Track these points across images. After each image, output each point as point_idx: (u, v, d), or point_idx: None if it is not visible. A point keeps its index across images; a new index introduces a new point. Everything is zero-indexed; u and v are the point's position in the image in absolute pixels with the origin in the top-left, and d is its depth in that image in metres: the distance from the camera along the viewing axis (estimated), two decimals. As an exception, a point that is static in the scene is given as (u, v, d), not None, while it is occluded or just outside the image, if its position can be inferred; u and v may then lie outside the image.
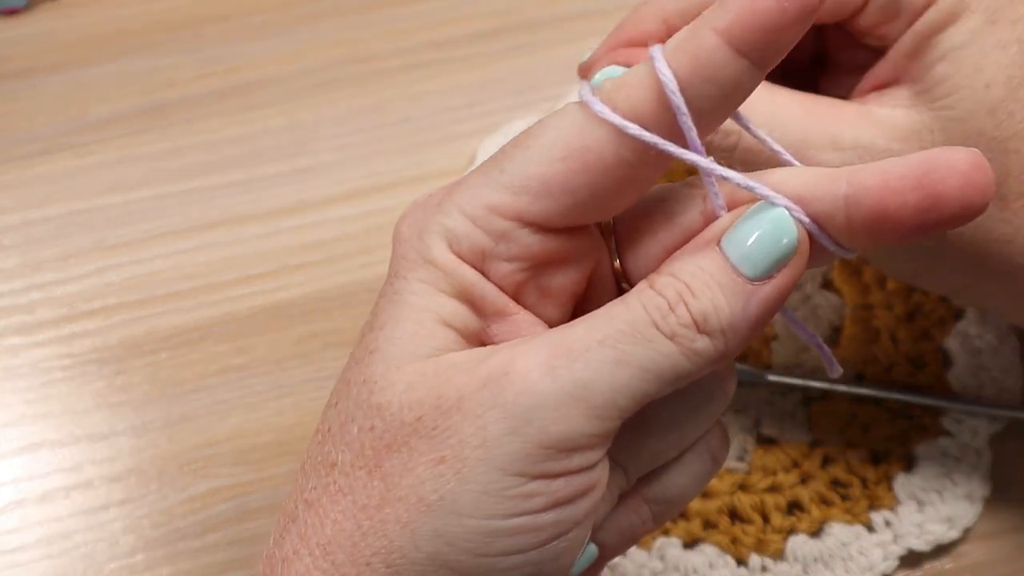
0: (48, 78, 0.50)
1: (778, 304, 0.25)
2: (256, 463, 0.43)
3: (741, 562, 0.41)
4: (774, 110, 0.33)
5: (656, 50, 0.25)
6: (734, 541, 0.41)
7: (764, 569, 0.41)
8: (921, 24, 0.33)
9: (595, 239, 0.28)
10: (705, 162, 0.26)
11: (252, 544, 0.42)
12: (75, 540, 0.42)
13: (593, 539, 0.28)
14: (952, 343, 0.43)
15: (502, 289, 0.27)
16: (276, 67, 0.50)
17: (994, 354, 0.43)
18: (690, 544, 0.41)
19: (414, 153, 0.48)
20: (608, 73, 0.32)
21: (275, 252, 0.46)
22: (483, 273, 0.27)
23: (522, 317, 0.27)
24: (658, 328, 0.25)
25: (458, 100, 0.49)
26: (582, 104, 0.26)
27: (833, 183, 0.25)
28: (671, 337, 0.25)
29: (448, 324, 0.27)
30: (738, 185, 0.26)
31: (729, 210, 0.26)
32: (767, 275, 0.25)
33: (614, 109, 0.25)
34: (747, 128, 0.28)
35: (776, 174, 0.26)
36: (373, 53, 0.50)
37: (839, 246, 0.25)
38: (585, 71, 0.36)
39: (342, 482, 0.26)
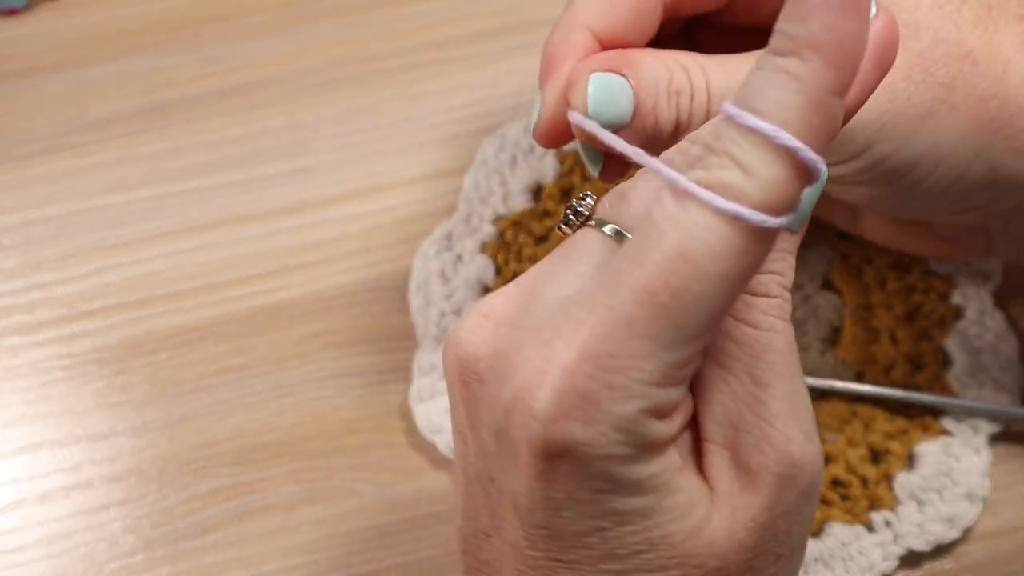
0: (48, 78, 0.50)
1: None
2: (256, 463, 0.43)
3: (741, 562, 0.41)
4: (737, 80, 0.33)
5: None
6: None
7: None
8: None
9: None
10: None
11: (252, 544, 0.42)
12: (75, 540, 0.42)
13: None
14: (952, 343, 0.43)
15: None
16: (276, 67, 0.50)
17: (994, 354, 0.43)
18: (690, 544, 0.41)
19: (414, 153, 0.48)
20: (603, 80, 0.31)
21: (275, 252, 0.46)
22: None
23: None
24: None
25: (458, 100, 0.49)
26: (717, 213, 0.24)
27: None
28: None
29: (686, 466, 0.27)
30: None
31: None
32: None
33: (747, 201, 0.24)
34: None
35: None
36: (373, 53, 0.50)
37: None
38: (556, 108, 0.34)
39: None
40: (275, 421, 0.43)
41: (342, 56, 0.50)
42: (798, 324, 0.44)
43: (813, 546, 0.41)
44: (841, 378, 0.43)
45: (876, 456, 0.42)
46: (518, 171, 0.46)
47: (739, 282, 0.24)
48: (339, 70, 0.50)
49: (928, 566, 0.41)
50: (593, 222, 0.27)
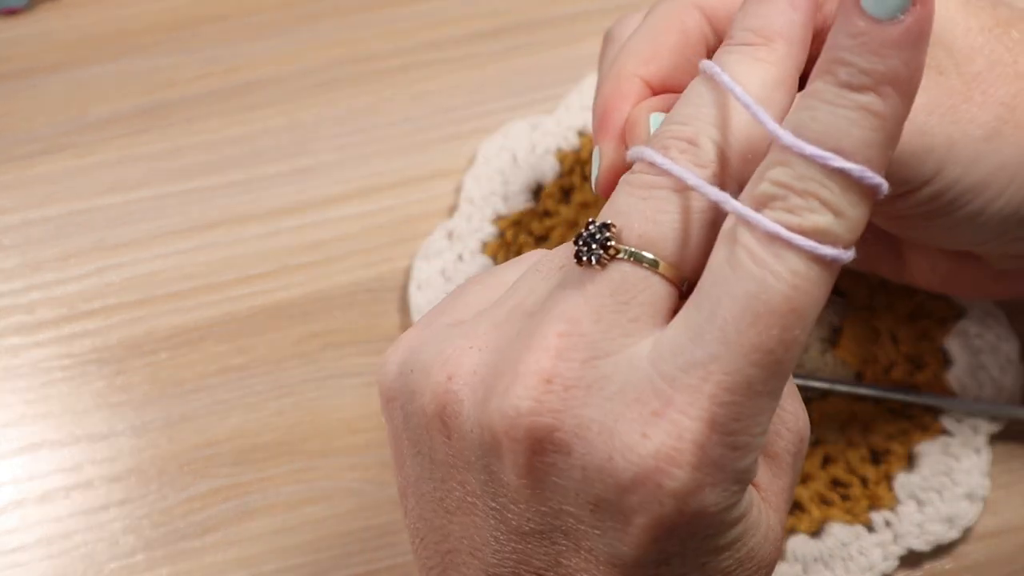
0: (48, 78, 0.50)
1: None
2: (256, 463, 0.43)
3: (741, 562, 0.41)
4: None
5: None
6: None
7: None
8: None
9: None
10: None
11: (252, 544, 0.42)
12: (75, 540, 0.42)
13: None
14: (952, 343, 0.43)
15: None
16: (276, 67, 0.50)
17: (994, 354, 0.43)
18: (690, 544, 0.41)
19: (414, 153, 0.48)
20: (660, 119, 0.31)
21: (275, 252, 0.46)
22: None
23: None
24: None
25: (458, 100, 0.49)
26: (817, 260, 0.24)
27: None
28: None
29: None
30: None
31: None
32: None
33: (841, 244, 0.24)
34: (762, 121, 0.27)
35: None
36: (373, 53, 0.50)
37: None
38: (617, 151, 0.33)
39: None
40: (275, 421, 0.43)
41: (342, 56, 0.50)
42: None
43: (813, 546, 0.41)
44: (841, 378, 0.43)
45: (876, 456, 0.42)
46: (518, 171, 0.46)
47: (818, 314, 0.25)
48: (339, 70, 0.50)
49: (928, 566, 0.41)
50: (629, 255, 0.26)
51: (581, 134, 0.47)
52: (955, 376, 0.43)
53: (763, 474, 0.28)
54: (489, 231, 0.45)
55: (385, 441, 0.43)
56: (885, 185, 0.24)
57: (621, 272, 0.26)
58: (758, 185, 0.25)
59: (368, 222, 0.47)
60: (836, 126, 0.24)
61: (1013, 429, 0.42)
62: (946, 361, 0.43)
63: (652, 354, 0.25)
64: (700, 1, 0.34)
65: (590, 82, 0.48)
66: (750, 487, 0.27)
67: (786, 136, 0.24)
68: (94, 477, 0.43)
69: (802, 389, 0.43)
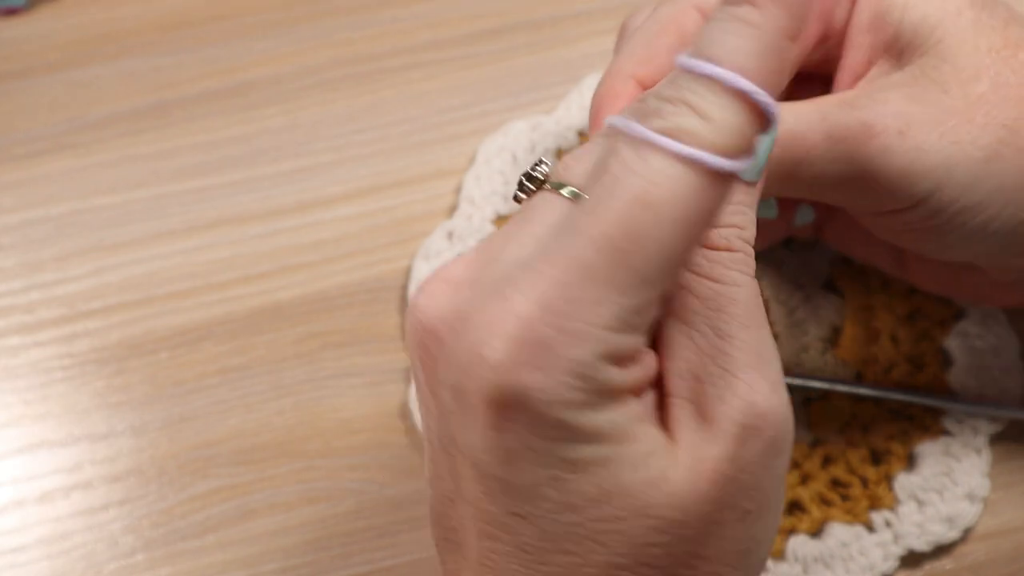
0: (48, 78, 0.50)
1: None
2: (256, 463, 0.43)
3: (741, 562, 0.41)
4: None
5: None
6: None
7: (764, 569, 0.41)
8: None
9: None
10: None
11: (252, 544, 0.42)
12: (75, 540, 0.42)
13: None
14: (952, 343, 0.43)
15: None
16: (276, 67, 0.50)
17: (994, 354, 0.43)
18: (690, 544, 0.41)
19: (414, 153, 0.48)
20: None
21: (275, 252, 0.46)
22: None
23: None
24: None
25: (458, 100, 0.49)
26: (675, 158, 0.24)
27: None
28: None
29: (647, 416, 0.26)
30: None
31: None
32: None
33: (704, 146, 0.24)
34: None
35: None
36: (373, 53, 0.50)
37: None
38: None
39: None
40: (275, 421, 0.43)
41: (342, 56, 0.50)
42: (798, 324, 0.44)
43: (813, 546, 0.41)
44: (841, 378, 0.43)
45: (876, 456, 0.42)
46: (518, 171, 0.46)
47: (696, 227, 0.24)
48: (339, 70, 0.50)
49: (928, 566, 0.41)
50: (549, 186, 0.27)
51: (581, 134, 0.47)
52: (955, 376, 0.43)
53: (688, 432, 0.26)
54: (489, 231, 0.45)
55: (385, 441, 0.43)
56: (761, 94, 0.24)
57: (540, 198, 0.27)
58: (644, 101, 0.25)
59: (368, 222, 0.47)
60: (712, 37, 0.24)
61: (1013, 430, 0.42)
62: (946, 361, 0.43)
63: (523, 251, 0.26)
64: (699, 2, 0.35)
65: (590, 82, 0.48)
66: (648, 425, 0.26)
67: (680, 57, 0.25)
68: (94, 477, 0.43)
69: (802, 389, 0.43)
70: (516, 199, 0.28)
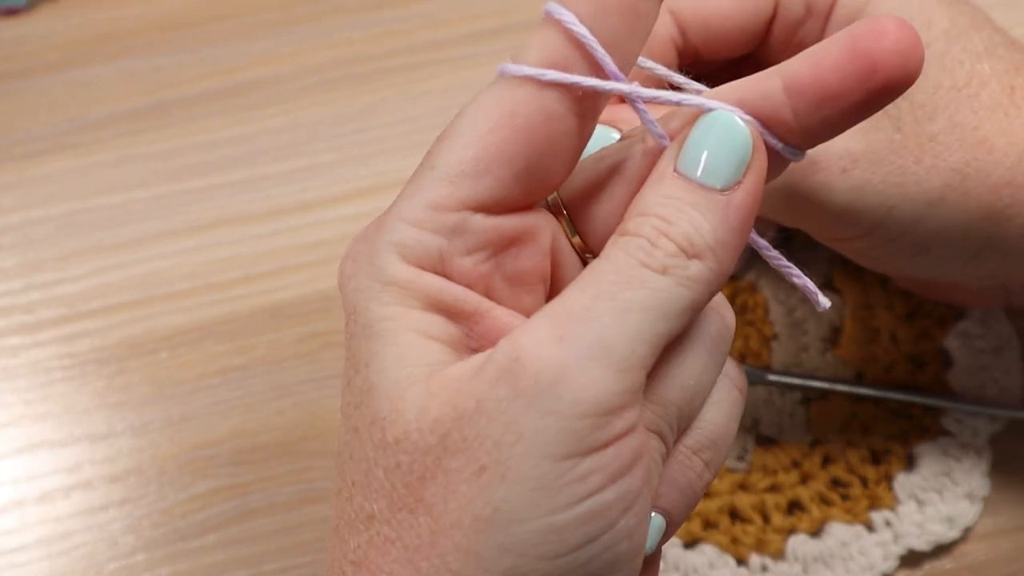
0: (48, 78, 0.50)
1: (755, 206, 0.25)
2: (256, 463, 0.43)
3: (741, 562, 0.41)
4: None
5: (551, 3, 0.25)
6: (734, 541, 0.41)
7: (764, 569, 0.41)
8: (843, 9, 0.34)
9: (547, 217, 0.27)
10: (629, 87, 0.25)
11: (252, 544, 0.42)
12: (75, 540, 0.42)
13: (656, 508, 0.27)
14: (952, 343, 0.43)
15: (470, 287, 0.25)
16: (276, 67, 0.50)
17: (994, 354, 0.43)
18: (690, 544, 0.41)
19: (414, 153, 0.48)
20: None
21: (275, 252, 0.46)
22: (446, 276, 0.25)
23: (500, 312, 0.26)
24: (647, 267, 0.24)
25: (458, 100, 0.49)
26: (497, 77, 0.25)
27: (768, 81, 0.25)
28: (663, 271, 0.24)
29: (432, 337, 0.25)
30: (670, 103, 0.25)
31: (672, 139, 0.26)
32: (735, 181, 0.25)
33: (526, 64, 0.25)
34: (661, 73, 0.28)
35: (710, 92, 0.26)
36: (373, 53, 0.50)
37: (788, 146, 0.25)
38: None
39: (386, 531, 0.24)
40: (275, 421, 0.43)
41: (342, 56, 0.50)
42: (798, 324, 0.44)
43: (813, 546, 0.41)
44: (841, 378, 0.43)
45: (876, 456, 0.42)
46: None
47: (495, 127, 0.25)
48: (339, 70, 0.50)
49: (928, 566, 0.41)
50: None
51: (581, 134, 0.47)
52: (955, 376, 0.43)
53: (447, 355, 0.25)
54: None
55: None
56: (566, 14, 0.24)
57: None
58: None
59: (368, 222, 0.47)
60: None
61: (1013, 429, 0.42)
62: (946, 361, 0.43)
63: None
64: (671, 5, 0.35)
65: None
66: (422, 337, 0.25)
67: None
68: (94, 477, 0.43)
69: (802, 389, 0.43)
70: None
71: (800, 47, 0.35)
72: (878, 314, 0.44)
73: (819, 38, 0.34)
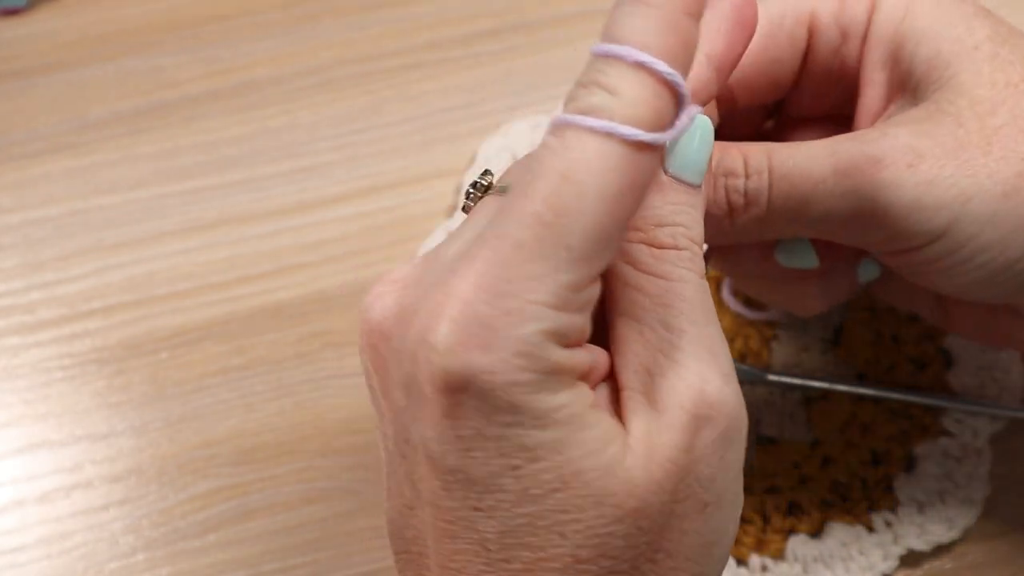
0: (48, 78, 0.50)
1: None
2: (256, 463, 0.43)
3: (741, 562, 0.41)
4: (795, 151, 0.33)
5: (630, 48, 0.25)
6: (734, 541, 0.41)
7: (764, 569, 0.41)
8: (880, 27, 0.33)
9: None
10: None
11: (252, 544, 0.42)
12: (75, 540, 0.42)
13: None
14: (953, 343, 0.43)
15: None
16: (276, 67, 0.50)
17: (995, 354, 0.43)
18: (690, 544, 0.41)
19: (414, 153, 0.48)
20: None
21: (275, 252, 0.46)
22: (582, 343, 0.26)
23: (597, 352, 0.28)
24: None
25: (458, 100, 0.49)
26: (591, 132, 0.25)
27: (701, 69, 0.29)
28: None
29: (598, 406, 0.26)
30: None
31: None
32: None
33: (635, 126, 0.25)
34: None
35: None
36: (373, 53, 0.50)
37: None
38: None
39: None
40: (275, 421, 0.43)
41: (342, 56, 0.50)
42: (799, 324, 0.44)
43: (813, 546, 0.41)
44: (843, 378, 0.43)
45: (876, 457, 0.42)
46: (518, 171, 0.46)
47: (623, 199, 0.25)
48: (339, 70, 0.50)
49: (928, 566, 0.41)
50: (494, 191, 0.29)
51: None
52: (956, 376, 0.43)
53: (641, 421, 0.26)
54: (489, 231, 0.45)
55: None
56: (660, 64, 0.25)
57: (481, 202, 0.29)
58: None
59: (368, 222, 0.47)
60: (614, 20, 0.25)
61: (1013, 429, 0.42)
62: (947, 361, 0.43)
63: (462, 247, 0.26)
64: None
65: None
66: (602, 412, 0.26)
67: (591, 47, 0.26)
68: (94, 477, 0.43)
69: (802, 389, 0.43)
70: (464, 209, 0.29)
71: (840, 73, 0.35)
72: (879, 314, 0.44)
73: (857, 60, 0.34)
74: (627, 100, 0.24)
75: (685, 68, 0.25)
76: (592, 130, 0.24)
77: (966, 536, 0.41)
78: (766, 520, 0.41)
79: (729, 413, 0.26)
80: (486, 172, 0.29)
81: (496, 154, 0.47)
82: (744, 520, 0.41)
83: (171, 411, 0.44)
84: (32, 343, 0.45)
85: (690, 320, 0.27)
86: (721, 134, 0.32)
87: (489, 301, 0.24)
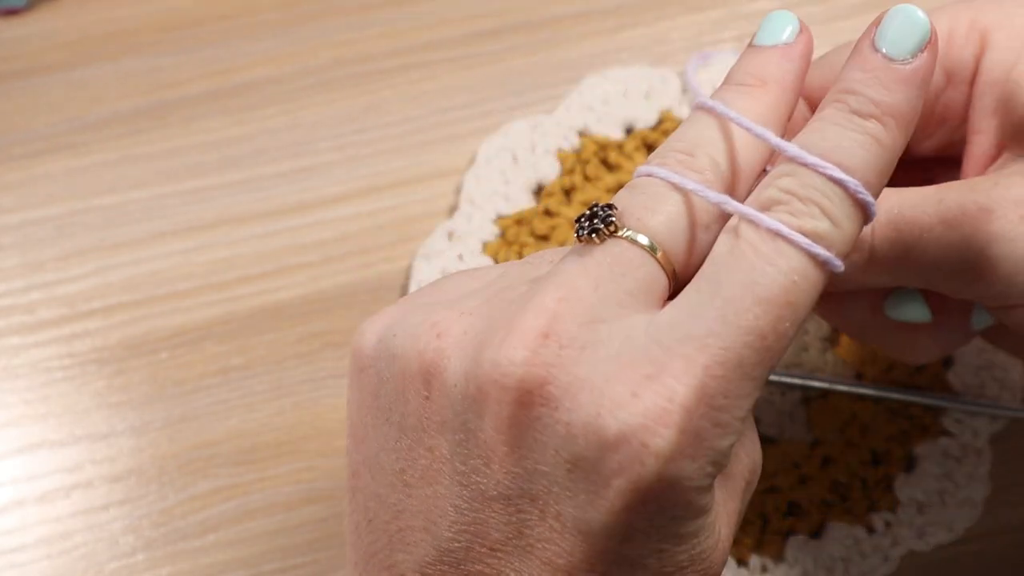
0: (48, 78, 0.50)
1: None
2: (256, 463, 0.43)
3: (741, 562, 0.41)
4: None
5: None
6: (734, 542, 0.41)
7: (764, 570, 0.41)
8: (990, 72, 0.32)
9: None
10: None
11: (252, 544, 0.42)
12: (75, 540, 0.42)
13: None
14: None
15: None
16: (276, 67, 0.50)
17: (995, 353, 0.43)
18: (690, 544, 0.41)
19: (414, 153, 0.48)
20: None
21: (275, 252, 0.46)
22: None
23: None
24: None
25: (458, 100, 0.49)
26: (811, 260, 0.26)
27: None
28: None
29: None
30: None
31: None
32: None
33: (832, 249, 0.26)
34: (764, 137, 0.28)
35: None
36: (373, 53, 0.50)
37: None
38: None
39: None
40: (275, 421, 0.43)
41: (342, 56, 0.50)
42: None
43: (813, 547, 0.41)
44: (841, 378, 0.43)
45: (876, 457, 0.42)
46: (519, 171, 0.46)
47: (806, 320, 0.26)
48: (339, 70, 0.50)
49: (928, 567, 0.41)
50: (627, 235, 0.27)
51: (581, 134, 0.47)
52: (956, 376, 0.43)
53: (720, 491, 0.28)
54: (490, 231, 0.45)
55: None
56: (875, 207, 0.26)
57: (620, 247, 0.27)
58: (764, 191, 0.27)
59: (368, 222, 0.47)
60: (842, 145, 0.26)
61: (1013, 429, 0.42)
62: (947, 360, 0.43)
63: (649, 326, 0.26)
64: (804, 93, 0.33)
65: (590, 82, 0.48)
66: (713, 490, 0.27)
67: (792, 148, 0.26)
68: (94, 477, 0.43)
69: (802, 389, 0.43)
70: (587, 237, 0.27)
71: (941, 118, 0.34)
72: (878, 314, 0.44)
73: (964, 105, 0.34)
74: (845, 236, 0.26)
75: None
76: (813, 256, 0.25)
77: (966, 536, 0.41)
78: (765, 520, 0.41)
79: (759, 471, 0.29)
80: (610, 205, 0.28)
81: (496, 154, 0.47)
82: (744, 520, 0.41)
83: (171, 411, 0.44)
84: (32, 343, 0.45)
85: None
86: None
87: (707, 415, 0.25)
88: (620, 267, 0.27)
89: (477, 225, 0.46)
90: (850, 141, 0.26)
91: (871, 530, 0.41)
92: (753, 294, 0.25)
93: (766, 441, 0.42)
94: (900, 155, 0.27)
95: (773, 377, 0.42)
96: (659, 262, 0.27)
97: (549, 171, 0.46)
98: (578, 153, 0.47)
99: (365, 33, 0.51)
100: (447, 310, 0.28)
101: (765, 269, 0.25)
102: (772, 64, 0.29)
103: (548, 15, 0.51)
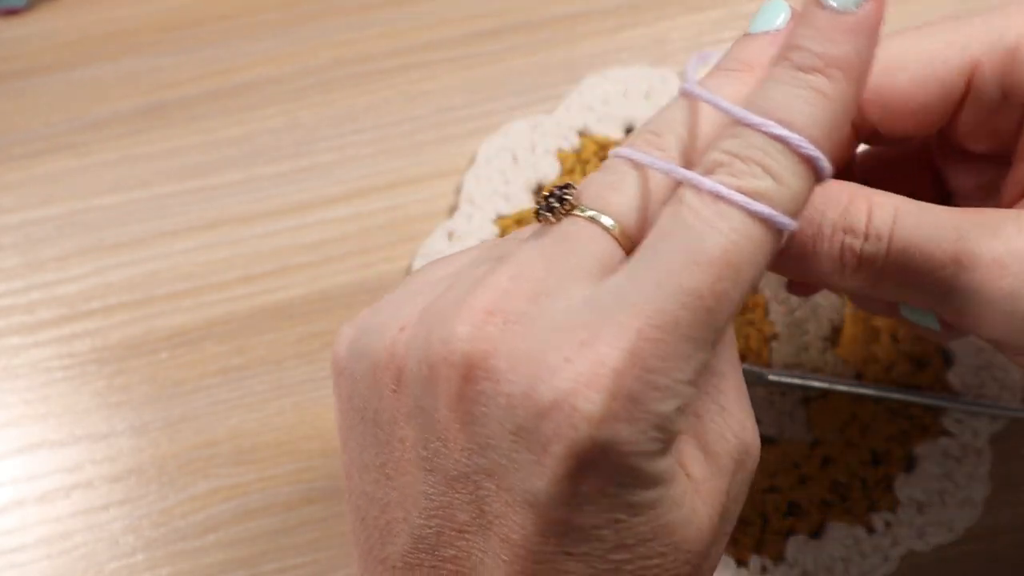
0: (48, 78, 0.50)
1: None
2: (256, 463, 0.43)
3: (741, 563, 0.41)
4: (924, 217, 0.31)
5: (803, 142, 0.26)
6: (734, 542, 0.41)
7: (764, 570, 0.41)
8: None
9: None
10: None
11: (252, 544, 0.42)
12: (75, 540, 0.42)
13: None
14: (953, 342, 0.43)
15: None
16: (276, 67, 0.50)
17: (995, 353, 0.43)
18: (690, 544, 0.41)
19: (414, 153, 0.48)
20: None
21: (275, 252, 0.46)
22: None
23: None
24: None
25: (458, 100, 0.49)
26: (753, 218, 0.25)
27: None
28: None
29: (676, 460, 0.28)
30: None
31: None
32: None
33: (776, 207, 0.25)
34: (716, 104, 0.27)
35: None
36: (373, 53, 0.50)
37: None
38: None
39: None
40: (275, 421, 0.43)
41: (342, 56, 0.50)
42: (798, 323, 0.44)
43: (813, 547, 0.41)
44: (842, 378, 0.43)
45: (876, 457, 0.42)
46: (519, 171, 0.46)
47: (757, 283, 0.26)
48: (339, 70, 0.50)
49: (928, 566, 0.41)
50: (585, 213, 0.27)
51: (581, 134, 0.47)
52: (956, 375, 0.43)
53: (699, 468, 0.28)
54: (490, 231, 0.45)
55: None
56: (824, 160, 0.25)
57: (576, 225, 0.27)
58: (709, 155, 0.26)
59: (368, 222, 0.47)
60: (784, 102, 0.26)
61: (1014, 429, 0.42)
62: (947, 360, 0.43)
63: (590, 294, 0.26)
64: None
65: (590, 82, 0.48)
66: (678, 466, 0.27)
67: (735, 109, 0.26)
68: (94, 477, 0.43)
69: (802, 389, 0.43)
70: (544, 217, 0.28)
71: (993, 134, 0.33)
72: (878, 314, 0.44)
73: (1018, 128, 0.32)
74: (791, 193, 0.25)
75: (831, 155, 0.26)
76: (755, 215, 0.25)
77: (966, 536, 0.41)
78: (765, 520, 0.41)
79: (755, 456, 0.29)
80: (569, 185, 0.28)
81: (496, 154, 0.47)
82: (744, 520, 0.41)
83: (171, 411, 0.44)
84: (32, 343, 0.45)
85: (730, 364, 0.28)
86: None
87: (641, 377, 0.24)
88: (574, 243, 0.27)
89: (477, 225, 0.46)
90: (793, 97, 0.26)
91: (871, 530, 0.41)
92: (689, 256, 0.25)
93: (766, 441, 0.42)
94: (853, 106, 0.26)
95: (773, 377, 0.42)
96: (616, 238, 0.27)
97: (549, 171, 0.46)
98: (578, 153, 0.47)
99: (365, 33, 0.51)
100: (411, 303, 0.28)
101: (704, 231, 0.25)
102: (760, 49, 0.29)
103: (548, 15, 0.51)
